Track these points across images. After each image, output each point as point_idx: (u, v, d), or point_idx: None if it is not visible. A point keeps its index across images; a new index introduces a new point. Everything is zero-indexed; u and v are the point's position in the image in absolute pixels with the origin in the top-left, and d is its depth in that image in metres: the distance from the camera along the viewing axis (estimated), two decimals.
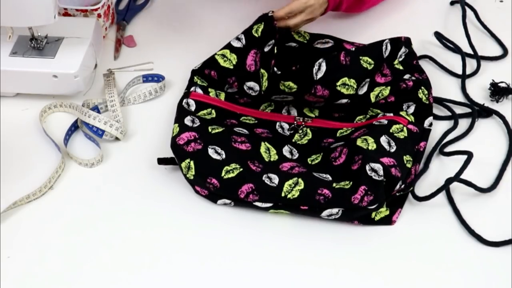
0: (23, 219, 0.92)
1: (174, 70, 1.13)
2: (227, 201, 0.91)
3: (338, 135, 0.98)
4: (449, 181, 0.90)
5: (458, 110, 1.06)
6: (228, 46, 1.02)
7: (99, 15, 1.16)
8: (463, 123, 1.04)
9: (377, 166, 0.86)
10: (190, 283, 0.85)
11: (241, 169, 0.89)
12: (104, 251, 0.88)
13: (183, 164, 0.91)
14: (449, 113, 1.05)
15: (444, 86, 1.10)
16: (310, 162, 0.94)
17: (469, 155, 0.92)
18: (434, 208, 0.92)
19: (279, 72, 1.01)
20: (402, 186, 0.89)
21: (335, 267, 0.86)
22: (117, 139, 1.02)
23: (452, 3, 1.27)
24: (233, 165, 0.90)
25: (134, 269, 0.86)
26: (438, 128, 1.03)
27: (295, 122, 1.00)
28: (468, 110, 1.05)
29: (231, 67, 1.01)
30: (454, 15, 1.24)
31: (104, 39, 1.19)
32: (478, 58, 1.14)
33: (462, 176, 0.92)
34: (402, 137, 0.93)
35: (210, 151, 0.91)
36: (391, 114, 0.97)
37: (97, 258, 0.87)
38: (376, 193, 0.85)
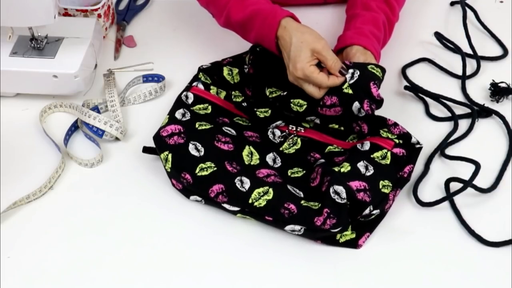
0: (23, 219, 0.92)
1: (174, 70, 1.13)
2: (198, 198, 0.92)
3: (326, 151, 0.97)
4: (455, 192, 0.90)
5: (458, 110, 1.06)
6: (238, 67, 1.06)
7: (99, 15, 1.16)
8: (463, 124, 1.04)
9: (340, 189, 0.84)
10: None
11: (215, 169, 0.89)
12: (104, 251, 0.88)
13: (162, 156, 0.92)
14: (449, 114, 1.05)
15: (444, 87, 1.10)
16: (289, 174, 0.94)
17: (477, 166, 0.92)
18: (434, 209, 0.92)
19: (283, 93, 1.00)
20: (375, 211, 0.87)
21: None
22: (117, 139, 1.02)
23: (452, 4, 1.27)
24: (208, 163, 0.90)
25: (134, 269, 0.86)
26: (437, 129, 1.03)
27: (287, 130, 1.00)
28: (468, 110, 1.05)
29: (232, 82, 1.05)
30: (454, 16, 1.24)
31: (104, 39, 1.19)
32: (478, 58, 1.14)
33: (462, 177, 0.92)
34: (384, 163, 0.91)
35: (191, 147, 0.92)
36: (378, 136, 0.95)
37: (97, 258, 0.87)
38: (338, 216, 0.84)
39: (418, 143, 0.94)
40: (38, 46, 1.06)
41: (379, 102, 0.93)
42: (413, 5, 1.23)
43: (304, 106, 0.96)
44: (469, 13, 1.22)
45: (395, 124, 0.95)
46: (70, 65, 1.03)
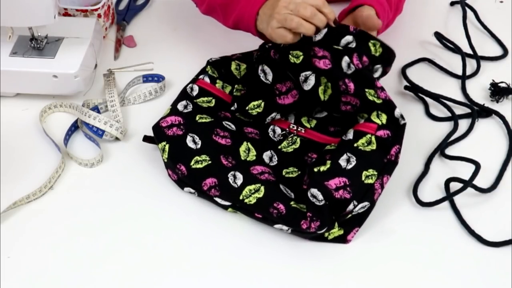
0: (23, 219, 0.92)
1: (174, 70, 1.13)
2: (192, 190, 0.93)
3: (323, 150, 0.97)
4: (455, 192, 0.90)
5: (458, 110, 1.06)
6: (246, 62, 1.05)
7: (99, 15, 1.16)
8: (463, 124, 1.04)
9: (315, 192, 0.84)
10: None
11: (210, 162, 0.90)
12: (104, 250, 0.88)
13: (160, 146, 0.93)
14: (449, 114, 1.05)
15: (444, 87, 1.10)
16: (284, 174, 0.94)
17: (477, 165, 0.92)
18: (434, 209, 0.92)
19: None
20: (360, 205, 0.85)
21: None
22: (117, 139, 1.02)
23: (452, 4, 1.27)
24: (203, 157, 0.91)
25: (134, 268, 0.86)
26: (437, 129, 1.03)
27: (287, 129, 1.00)
28: (468, 110, 1.05)
29: (238, 77, 1.05)
30: (454, 16, 1.24)
31: (104, 39, 1.19)
32: (478, 58, 1.14)
33: (462, 177, 0.92)
34: (369, 150, 0.89)
35: (188, 139, 0.92)
36: (362, 121, 0.93)
37: (97, 257, 0.87)
38: (321, 218, 0.84)
39: (401, 117, 0.91)
40: (38, 46, 1.06)
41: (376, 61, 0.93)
42: (413, 5, 1.23)
43: (301, 57, 0.93)
44: (469, 13, 1.22)
45: (383, 89, 0.92)
46: (70, 65, 1.03)
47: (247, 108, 0.99)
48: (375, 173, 0.87)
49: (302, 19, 0.88)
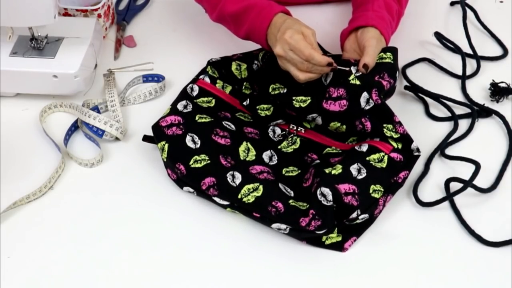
0: (23, 219, 0.92)
1: (174, 70, 1.13)
2: (191, 189, 0.93)
3: (324, 152, 0.97)
4: (455, 192, 0.90)
5: (458, 110, 1.06)
6: (247, 62, 1.05)
7: (99, 15, 1.16)
8: (463, 123, 1.04)
9: (326, 191, 0.84)
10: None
11: (209, 162, 0.90)
12: (103, 250, 0.88)
13: (159, 145, 0.93)
14: (449, 114, 1.05)
15: (444, 87, 1.10)
16: (284, 173, 0.94)
17: (477, 165, 0.92)
18: (434, 209, 0.92)
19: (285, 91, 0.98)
20: (362, 216, 0.86)
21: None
22: (117, 139, 1.02)
23: (452, 4, 1.27)
24: (202, 156, 0.91)
25: (133, 267, 0.86)
26: (437, 129, 1.03)
27: (287, 129, 1.00)
28: (468, 110, 1.05)
29: (239, 77, 1.05)
30: (454, 16, 1.24)
31: (104, 39, 1.19)
32: (478, 58, 1.14)
33: (462, 177, 0.92)
34: (379, 167, 0.90)
35: (188, 139, 0.93)
36: (378, 139, 0.94)
37: (96, 257, 0.87)
38: (324, 218, 0.84)
39: (417, 150, 0.93)
40: (38, 46, 1.06)
41: (389, 92, 0.95)
42: (413, 5, 1.23)
43: (308, 101, 0.95)
44: (469, 13, 1.22)
45: (400, 123, 0.94)
46: (70, 65, 1.03)
47: (257, 107, 1.00)
48: (382, 189, 0.89)
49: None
